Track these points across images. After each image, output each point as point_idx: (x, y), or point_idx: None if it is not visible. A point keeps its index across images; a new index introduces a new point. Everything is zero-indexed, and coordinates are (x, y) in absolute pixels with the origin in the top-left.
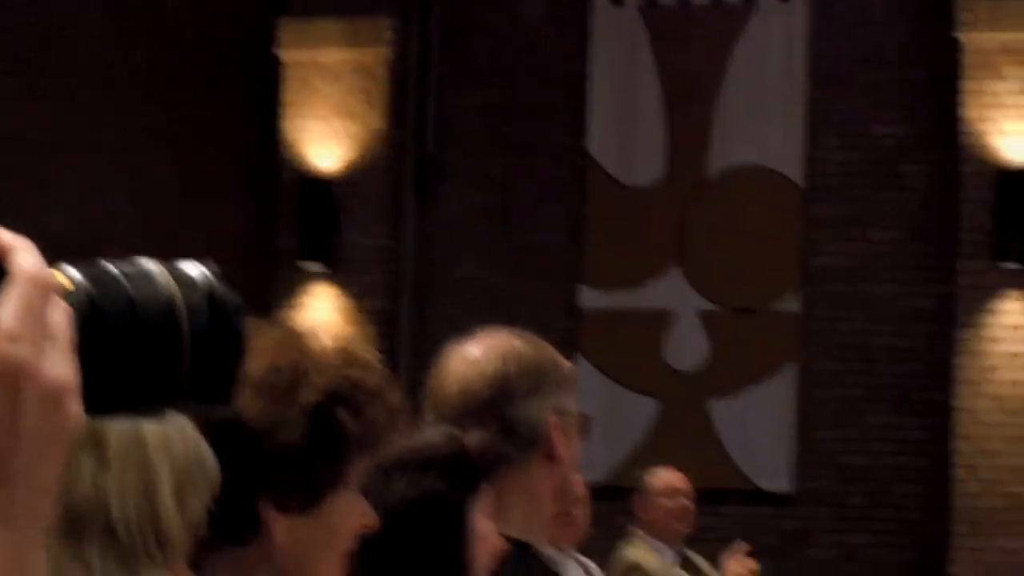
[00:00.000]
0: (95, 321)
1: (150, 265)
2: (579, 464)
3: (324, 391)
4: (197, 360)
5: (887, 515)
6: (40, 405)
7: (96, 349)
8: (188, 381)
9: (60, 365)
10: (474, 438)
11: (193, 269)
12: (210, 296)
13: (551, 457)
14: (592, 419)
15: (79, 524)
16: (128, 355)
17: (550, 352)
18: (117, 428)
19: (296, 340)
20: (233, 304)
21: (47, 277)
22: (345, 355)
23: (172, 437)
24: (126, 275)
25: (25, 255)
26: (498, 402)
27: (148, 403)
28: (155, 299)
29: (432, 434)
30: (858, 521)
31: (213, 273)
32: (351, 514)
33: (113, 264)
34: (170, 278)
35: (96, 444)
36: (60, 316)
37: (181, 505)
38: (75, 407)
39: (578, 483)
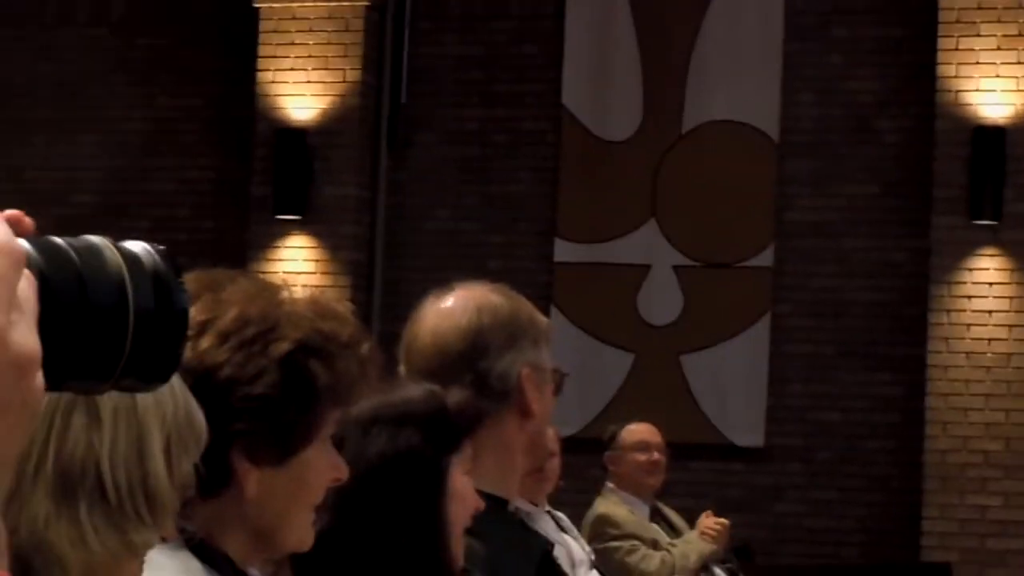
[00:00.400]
0: (45, 295)
1: (98, 241)
2: (551, 418)
3: (296, 342)
4: (140, 338)
5: (857, 471)
6: (7, 375)
7: (45, 323)
8: (130, 358)
9: (28, 336)
10: (454, 395)
11: (138, 247)
12: (155, 275)
13: (524, 412)
14: (566, 375)
15: (71, 484)
16: (75, 330)
17: (526, 306)
18: None
19: (268, 291)
20: (177, 284)
21: (18, 248)
22: (317, 306)
23: (163, 395)
24: (75, 250)
25: None
26: (472, 355)
27: (90, 379)
28: (104, 276)
29: (412, 390)
30: (828, 477)
31: (158, 252)
32: (322, 467)
33: (62, 239)
34: (118, 255)
35: (88, 401)
36: (27, 288)
37: (171, 464)
38: (40, 379)
39: (551, 438)
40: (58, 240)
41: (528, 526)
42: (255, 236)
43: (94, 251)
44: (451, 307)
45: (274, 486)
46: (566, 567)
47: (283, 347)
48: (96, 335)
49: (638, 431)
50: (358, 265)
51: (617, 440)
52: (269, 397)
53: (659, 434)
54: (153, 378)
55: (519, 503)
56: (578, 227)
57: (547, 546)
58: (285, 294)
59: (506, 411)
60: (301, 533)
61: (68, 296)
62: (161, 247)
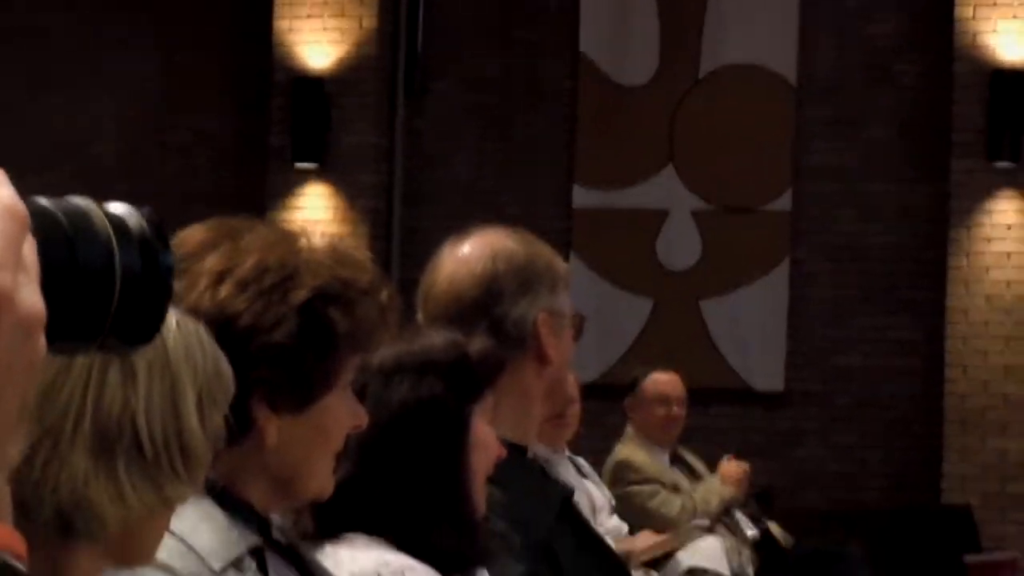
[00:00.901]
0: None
1: (83, 203)
2: (571, 363)
3: (314, 289)
4: (126, 300)
5: (877, 415)
6: (14, 335)
7: None
8: (116, 319)
9: (34, 297)
10: (476, 344)
11: (123, 209)
12: (140, 236)
13: (541, 358)
14: (586, 319)
15: (109, 440)
16: (63, 292)
17: (544, 251)
18: None
19: (286, 239)
20: (162, 245)
21: (23, 210)
22: (336, 254)
23: (194, 349)
24: (62, 211)
25: (1, 187)
26: (486, 302)
27: (76, 340)
28: (92, 237)
29: (434, 338)
30: (848, 421)
31: (144, 213)
32: (342, 414)
33: (47, 200)
34: (104, 217)
35: (123, 358)
36: (30, 250)
37: (203, 418)
38: (43, 340)
39: (571, 383)
40: (44, 201)
41: (548, 473)
42: (273, 185)
43: (80, 212)
44: (467, 254)
45: (294, 434)
46: (586, 513)
47: (302, 295)
48: (84, 297)
49: (660, 383)
50: (376, 213)
51: (639, 388)
52: (288, 345)
53: (681, 385)
54: (137, 339)
55: (539, 449)
56: (596, 173)
57: (567, 492)
58: (304, 242)
59: (523, 358)
60: (321, 481)
61: (57, 258)
62: (146, 208)
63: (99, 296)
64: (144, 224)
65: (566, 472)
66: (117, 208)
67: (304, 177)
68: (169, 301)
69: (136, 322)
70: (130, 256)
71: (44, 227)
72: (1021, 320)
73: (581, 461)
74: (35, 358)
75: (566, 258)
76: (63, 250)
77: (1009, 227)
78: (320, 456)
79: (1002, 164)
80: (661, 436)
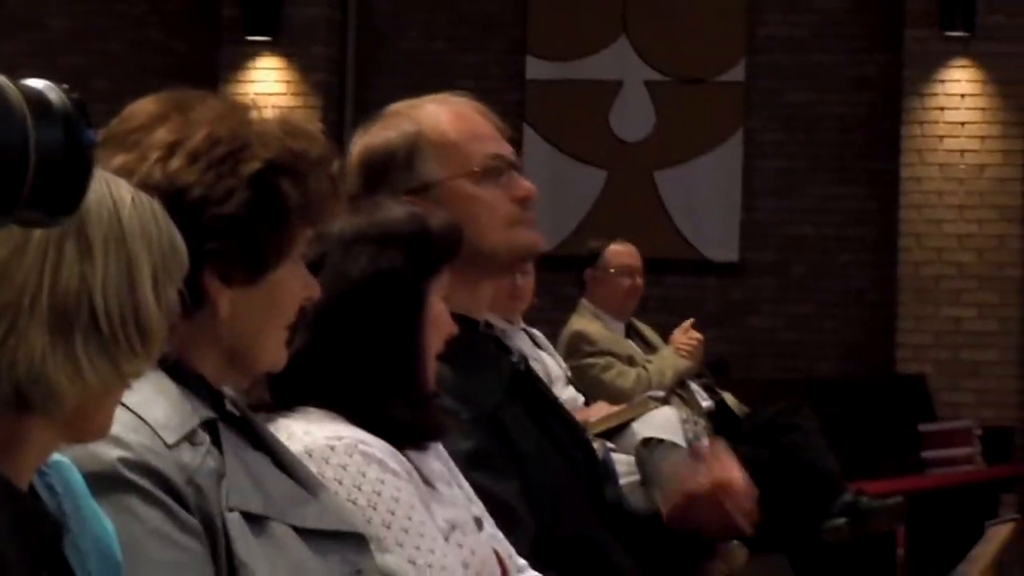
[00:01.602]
0: None
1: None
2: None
3: (266, 161)
4: (44, 173)
5: (831, 285)
6: None
7: None
8: (34, 192)
9: None
10: (438, 218)
11: (42, 84)
12: (61, 112)
13: None
14: (515, 156)
15: (65, 317)
16: None
17: (400, 126)
18: (96, 215)
19: (237, 111)
20: (82, 121)
21: None
22: (286, 126)
23: (149, 224)
24: None
25: None
26: (361, 191)
27: None
28: (7, 114)
29: (395, 210)
30: (802, 291)
31: (63, 90)
32: (294, 286)
33: None
34: (18, 92)
35: (79, 233)
36: None
37: (159, 294)
38: None
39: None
40: None
41: (501, 344)
42: (226, 58)
43: None
44: (355, 142)
45: (246, 306)
46: None
47: (253, 166)
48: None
49: (622, 254)
50: (329, 86)
51: (601, 260)
52: (240, 216)
53: (639, 255)
54: (58, 211)
55: (493, 319)
56: (550, 44)
57: (518, 365)
58: (255, 114)
59: None
60: (274, 353)
61: None
62: (65, 86)
63: (14, 170)
64: (66, 100)
65: (521, 344)
66: (36, 84)
67: (256, 50)
68: (91, 174)
69: (57, 195)
70: (49, 131)
71: None
72: (974, 189)
73: (536, 332)
74: None
75: (519, 129)
76: None
77: (962, 96)
78: (272, 328)
79: (955, 33)
80: (623, 307)
